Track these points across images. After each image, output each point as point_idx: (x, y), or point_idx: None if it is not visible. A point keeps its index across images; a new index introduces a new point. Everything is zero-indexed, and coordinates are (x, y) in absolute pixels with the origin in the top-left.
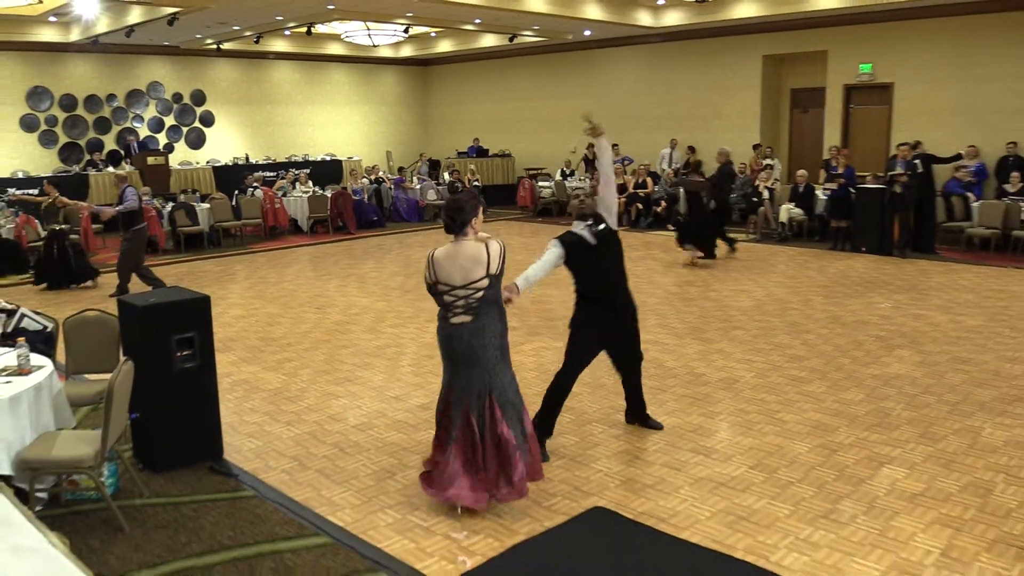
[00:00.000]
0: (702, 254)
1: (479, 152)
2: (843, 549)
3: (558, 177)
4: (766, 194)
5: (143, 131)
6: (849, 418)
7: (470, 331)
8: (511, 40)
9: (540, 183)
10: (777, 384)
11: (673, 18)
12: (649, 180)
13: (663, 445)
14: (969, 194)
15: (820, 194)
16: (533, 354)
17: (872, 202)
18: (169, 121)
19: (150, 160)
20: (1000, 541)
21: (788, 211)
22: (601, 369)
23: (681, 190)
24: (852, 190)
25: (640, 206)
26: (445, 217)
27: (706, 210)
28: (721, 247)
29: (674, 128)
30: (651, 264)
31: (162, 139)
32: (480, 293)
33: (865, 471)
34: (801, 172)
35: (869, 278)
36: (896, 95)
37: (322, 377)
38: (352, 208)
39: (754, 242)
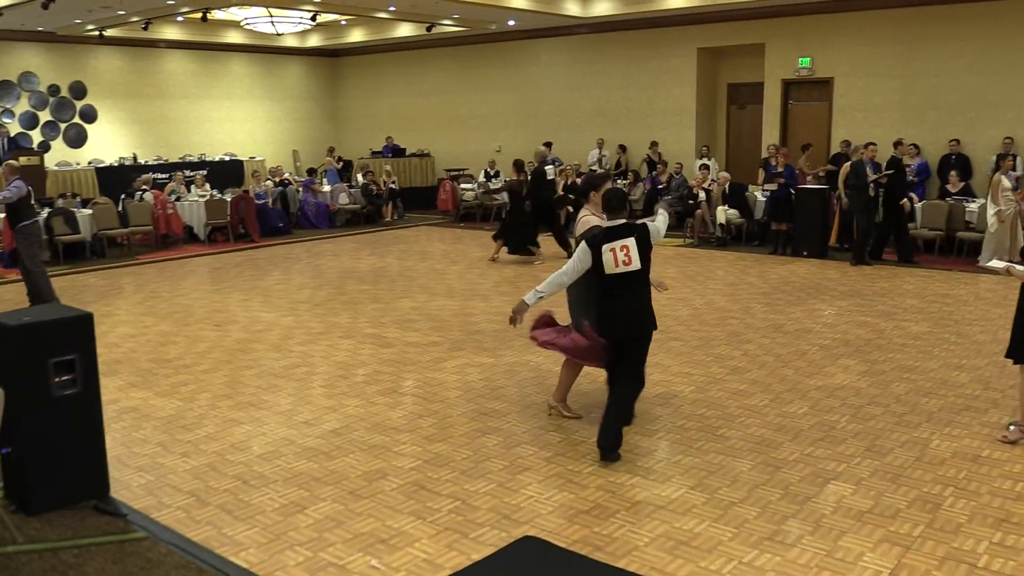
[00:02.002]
0: (507, 250)
1: (395, 151)
2: (789, 572)
3: (482, 178)
4: (702, 196)
5: (14, 127)
6: (793, 433)
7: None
8: (429, 30)
9: (462, 185)
10: (717, 398)
11: (603, 8)
12: (578, 181)
13: (597, 467)
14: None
15: (759, 195)
16: (456, 371)
17: (813, 204)
18: (44, 116)
19: (22, 160)
20: (950, 558)
21: (725, 212)
22: (529, 386)
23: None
24: (793, 191)
25: (570, 209)
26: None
27: (524, 210)
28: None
29: (605, 125)
30: None
31: (36, 136)
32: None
33: (811, 488)
34: (722, 174)
35: (811, 284)
36: (836, 90)
37: (222, 402)
38: (255, 214)
39: (691, 247)
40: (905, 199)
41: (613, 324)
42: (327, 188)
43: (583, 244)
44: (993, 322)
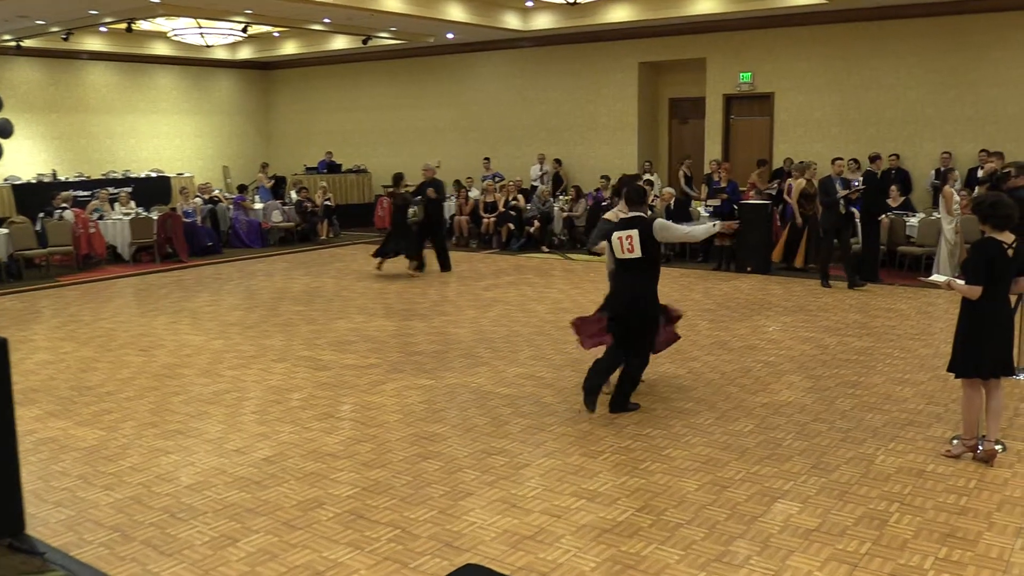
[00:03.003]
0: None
1: (331, 167)
2: None
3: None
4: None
5: None
6: (739, 451)
7: None
8: (365, 43)
9: None
10: (662, 417)
11: (543, 21)
12: (520, 197)
13: (541, 491)
14: (853, 210)
15: (702, 211)
16: (395, 394)
17: (757, 219)
18: None
19: None
20: (897, 575)
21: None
22: (471, 408)
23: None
24: (736, 206)
25: (511, 226)
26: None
27: (406, 221)
28: (409, 260)
29: (547, 140)
30: (524, 290)
31: None
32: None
33: (758, 508)
34: (666, 190)
35: (755, 300)
36: (777, 105)
37: (148, 431)
38: (183, 232)
39: None
40: (884, 216)
41: (616, 302)
42: (259, 205)
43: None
44: (935, 336)
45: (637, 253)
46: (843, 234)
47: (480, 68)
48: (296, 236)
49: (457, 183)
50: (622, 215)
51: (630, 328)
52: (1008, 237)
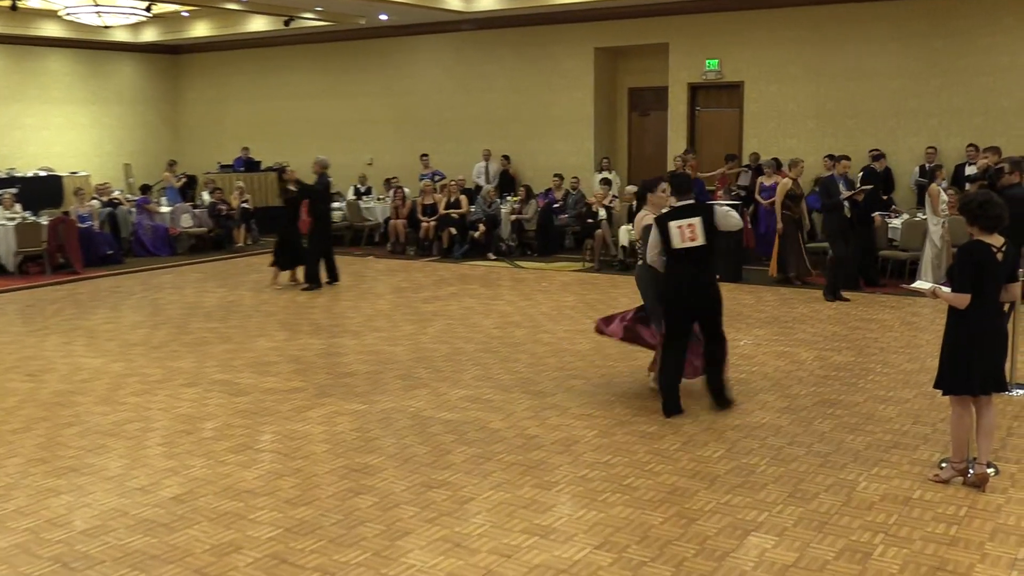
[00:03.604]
0: (302, 277)
1: (248, 165)
2: None
3: (351, 196)
4: (603, 214)
5: None
6: (708, 479)
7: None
8: (287, 24)
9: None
10: (624, 443)
11: (487, 2)
12: (463, 199)
13: (489, 527)
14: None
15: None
16: (323, 422)
17: None
18: None
19: None
20: None
21: (628, 233)
22: (409, 436)
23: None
24: None
25: (453, 231)
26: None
27: (295, 225)
28: (303, 272)
29: (493, 134)
30: (468, 303)
31: None
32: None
33: (729, 542)
34: (628, 189)
35: (725, 311)
36: (747, 96)
37: (37, 468)
38: (77, 240)
39: (592, 271)
40: (877, 215)
41: (679, 295)
42: (166, 208)
43: (653, 224)
44: (921, 349)
45: (700, 240)
46: (849, 239)
47: (417, 54)
48: (209, 243)
49: (387, 182)
50: (675, 204)
51: (699, 318)
52: (997, 240)
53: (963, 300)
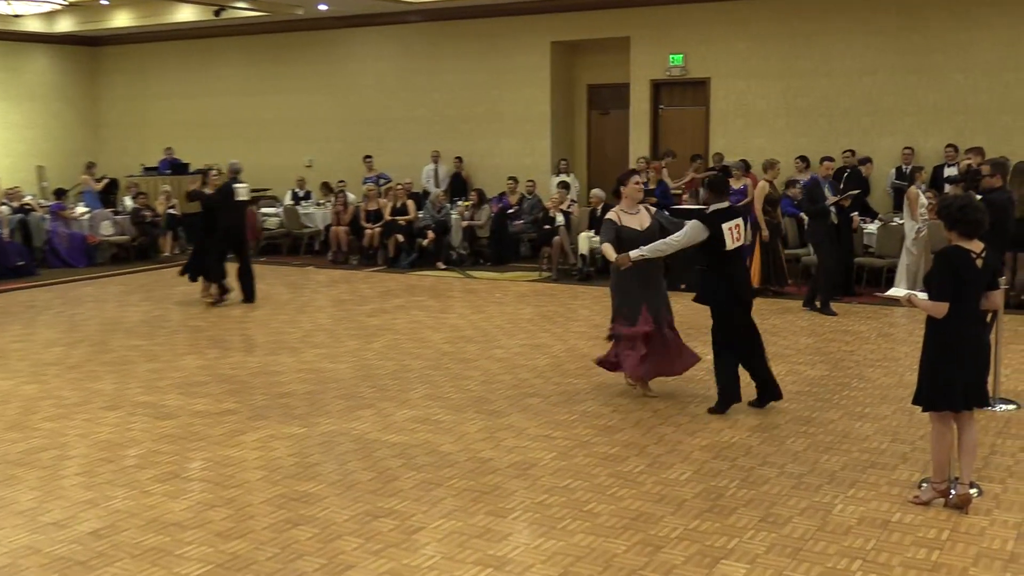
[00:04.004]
0: (219, 290)
1: (175, 167)
2: None
3: (288, 201)
4: (561, 220)
5: None
6: (675, 504)
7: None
8: (218, 14)
9: (263, 209)
10: (585, 466)
11: None
12: (411, 204)
13: (440, 559)
14: (803, 214)
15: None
16: (258, 446)
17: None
18: None
19: None
20: None
21: (588, 240)
22: (352, 461)
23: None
24: (666, 212)
25: (400, 238)
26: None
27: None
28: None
29: (442, 134)
30: (417, 316)
31: None
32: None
33: (698, 571)
34: (595, 192)
35: (691, 323)
36: (713, 93)
37: None
38: None
39: (549, 281)
40: (856, 217)
41: (737, 291)
42: (84, 213)
43: (697, 222)
44: (899, 362)
45: (747, 238)
46: (834, 247)
47: (360, 47)
48: (132, 252)
49: (326, 186)
50: (627, 213)
51: (745, 315)
52: (977, 246)
53: (941, 309)
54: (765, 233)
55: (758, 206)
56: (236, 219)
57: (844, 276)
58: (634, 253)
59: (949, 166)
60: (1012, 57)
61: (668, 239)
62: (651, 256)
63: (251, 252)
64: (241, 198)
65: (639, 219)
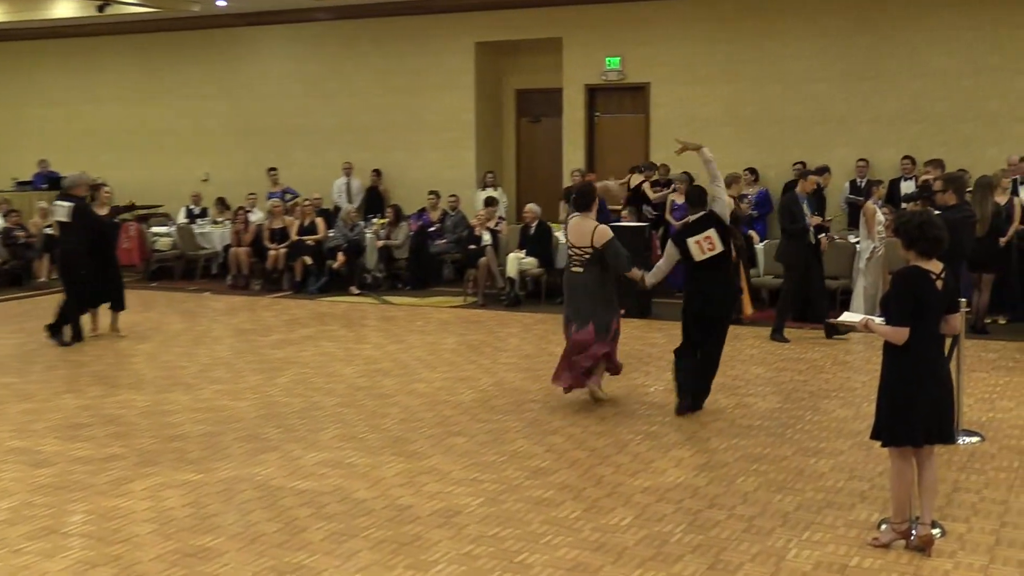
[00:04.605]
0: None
1: (52, 182)
2: None
3: (182, 219)
4: (487, 239)
5: None
6: (616, 552)
7: (581, 278)
8: (101, 10)
9: (154, 228)
10: (516, 512)
11: None
12: (320, 222)
13: None
14: (752, 232)
15: (562, 236)
16: (148, 496)
17: (634, 246)
18: None
19: None
20: None
21: (518, 261)
22: (256, 510)
23: None
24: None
25: (308, 260)
26: (575, 199)
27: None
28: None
29: (356, 145)
30: (327, 347)
31: None
32: (587, 255)
33: None
34: (530, 207)
35: (632, 352)
36: (653, 99)
37: None
38: None
39: (475, 307)
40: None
41: (695, 302)
42: None
43: (669, 241)
44: (855, 392)
45: (719, 248)
46: (812, 271)
47: (263, 48)
48: (3, 277)
49: (222, 202)
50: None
51: (705, 327)
52: (936, 266)
53: (900, 335)
54: (734, 255)
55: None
56: (73, 243)
57: (818, 301)
58: (649, 279)
59: (906, 179)
60: (970, 62)
61: (660, 263)
62: (654, 281)
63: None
64: (59, 218)
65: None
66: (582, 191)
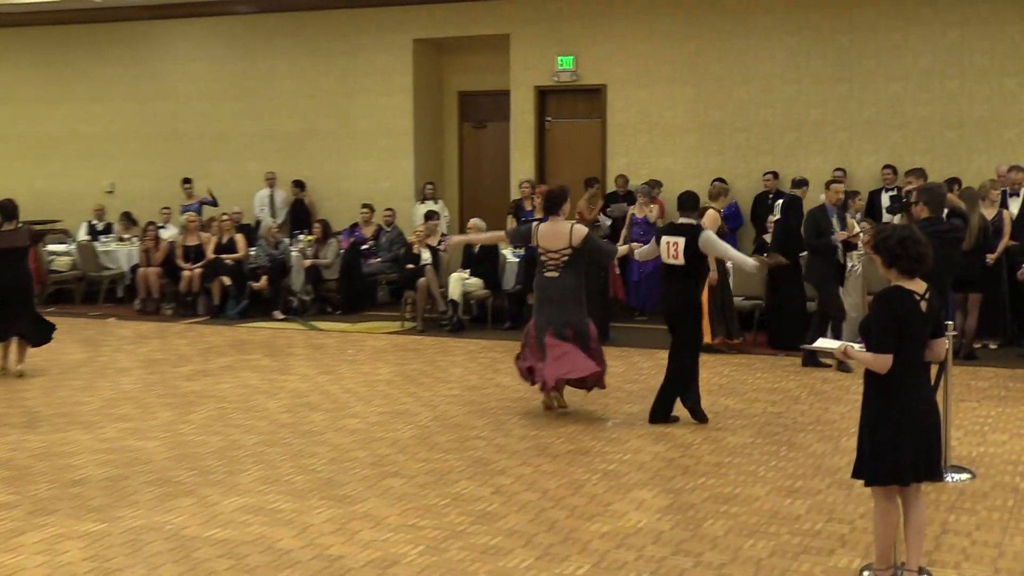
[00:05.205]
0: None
1: None
2: None
3: (83, 236)
4: (427, 257)
5: None
6: None
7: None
8: None
9: (51, 247)
10: (459, 562)
11: None
12: (240, 239)
13: None
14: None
15: (509, 255)
16: (44, 549)
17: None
18: None
19: None
20: None
21: (461, 282)
22: (164, 565)
23: None
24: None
25: (227, 281)
26: (545, 202)
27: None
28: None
29: (281, 153)
30: (248, 379)
31: None
32: (566, 258)
33: None
34: (475, 222)
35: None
36: (610, 103)
37: None
38: None
39: (413, 333)
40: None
41: (661, 305)
42: None
43: (656, 233)
44: (834, 425)
45: (680, 261)
46: (834, 289)
47: (176, 45)
48: None
49: (128, 217)
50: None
51: (670, 332)
52: (919, 286)
53: (884, 362)
54: (714, 276)
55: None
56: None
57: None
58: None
59: (887, 191)
60: (954, 63)
61: (650, 244)
62: (641, 258)
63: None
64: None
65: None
66: (551, 193)
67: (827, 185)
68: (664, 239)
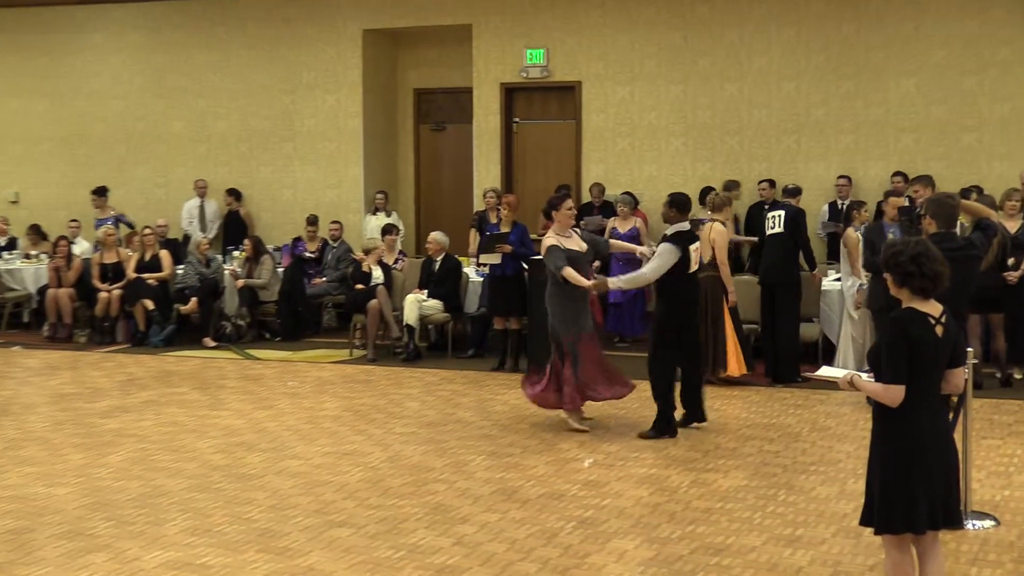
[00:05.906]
0: None
1: None
2: None
3: None
4: (379, 275)
5: None
6: None
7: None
8: None
9: None
10: None
11: None
12: (165, 255)
13: None
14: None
15: (472, 273)
16: None
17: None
18: None
19: None
20: None
21: (418, 304)
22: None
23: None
24: (525, 264)
25: (150, 304)
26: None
27: None
28: None
29: (212, 158)
30: (175, 415)
31: None
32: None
33: None
34: (435, 236)
35: (559, 416)
36: (586, 102)
37: None
38: None
39: (363, 362)
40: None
41: (679, 313)
42: None
43: (670, 244)
44: (839, 466)
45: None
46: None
47: (92, 34)
48: None
49: (35, 230)
50: (563, 236)
51: (689, 338)
52: (935, 308)
53: (896, 394)
54: (733, 298)
55: (722, 256)
56: None
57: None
58: (612, 282)
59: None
60: (972, 56)
61: (644, 269)
62: (627, 287)
63: None
64: None
65: (576, 241)
66: (549, 199)
67: (885, 196)
68: (693, 248)
